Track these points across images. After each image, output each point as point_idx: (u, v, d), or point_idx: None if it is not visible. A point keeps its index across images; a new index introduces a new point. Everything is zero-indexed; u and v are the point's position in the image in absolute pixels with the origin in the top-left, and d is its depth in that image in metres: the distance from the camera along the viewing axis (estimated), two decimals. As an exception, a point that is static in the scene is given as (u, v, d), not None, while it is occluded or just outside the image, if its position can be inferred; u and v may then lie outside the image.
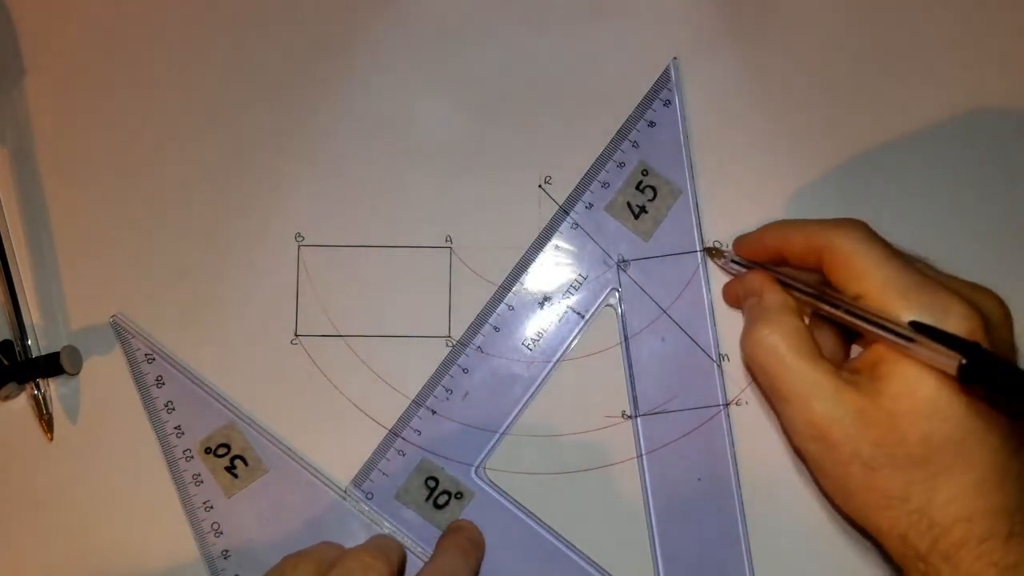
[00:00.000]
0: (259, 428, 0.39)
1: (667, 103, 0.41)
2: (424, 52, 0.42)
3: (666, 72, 0.41)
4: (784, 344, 0.32)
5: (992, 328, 0.30)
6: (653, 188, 0.40)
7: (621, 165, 0.41)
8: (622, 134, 0.41)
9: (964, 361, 0.28)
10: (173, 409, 0.39)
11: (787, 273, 0.35)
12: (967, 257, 0.40)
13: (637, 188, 0.40)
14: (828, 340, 0.35)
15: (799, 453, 0.35)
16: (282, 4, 0.43)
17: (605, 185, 0.40)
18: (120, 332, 0.40)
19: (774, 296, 0.34)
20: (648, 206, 0.40)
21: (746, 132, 0.41)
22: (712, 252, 0.39)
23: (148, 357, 0.39)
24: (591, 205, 0.40)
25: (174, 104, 0.42)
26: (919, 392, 0.30)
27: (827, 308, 0.33)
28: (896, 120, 0.41)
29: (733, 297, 0.39)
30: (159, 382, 0.39)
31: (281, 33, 0.42)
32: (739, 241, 0.38)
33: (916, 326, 0.29)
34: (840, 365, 0.33)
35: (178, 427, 0.39)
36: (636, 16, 0.42)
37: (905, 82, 0.41)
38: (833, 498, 0.34)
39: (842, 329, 0.35)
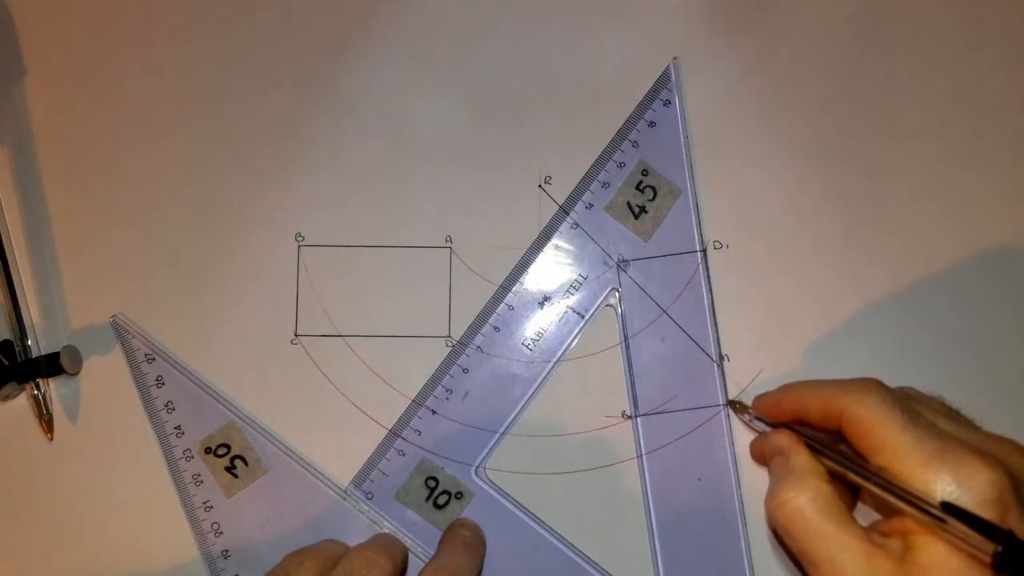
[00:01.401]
0: (259, 428, 0.39)
1: (667, 103, 0.41)
2: (424, 52, 0.42)
3: (666, 72, 0.41)
4: (812, 507, 0.31)
5: (1020, 485, 0.29)
6: (653, 188, 0.40)
7: (621, 165, 0.41)
8: (622, 134, 0.41)
9: (999, 549, 0.27)
10: (173, 409, 0.39)
11: (813, 436, 0.34)
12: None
13: (637, 188, 0.40)
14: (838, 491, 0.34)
15: None
16: (282, 4, 0.43)
17: (605, 185, 0.40)
18: (120, 332, 0.40)
19: (800, 458, 0.33)
20: (648, 206, 0.40)
21: (746, 132, 0.41)
22: (736, 407, 0.38)
23: (148, 357, 0.39)
24: (591, 205, 0.40)
25: (174, 104, 0.42)
26: (951, 564, 0.29)
27: (856, 478, 0.32)
28: (898, 117, 0.41)
29: (759, 455, 0.38)
30: (159, 382, 0.39)
31: (281, 33, 0.42)
32: (758, 402, 0.37)
33: (947, 507, 0.29)
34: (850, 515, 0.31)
35: (178, 427, 0.39)
36: (636, 16, 0.42)
37: (908, 75, 0.41)
38: None
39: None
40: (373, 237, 0.41)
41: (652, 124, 0.41)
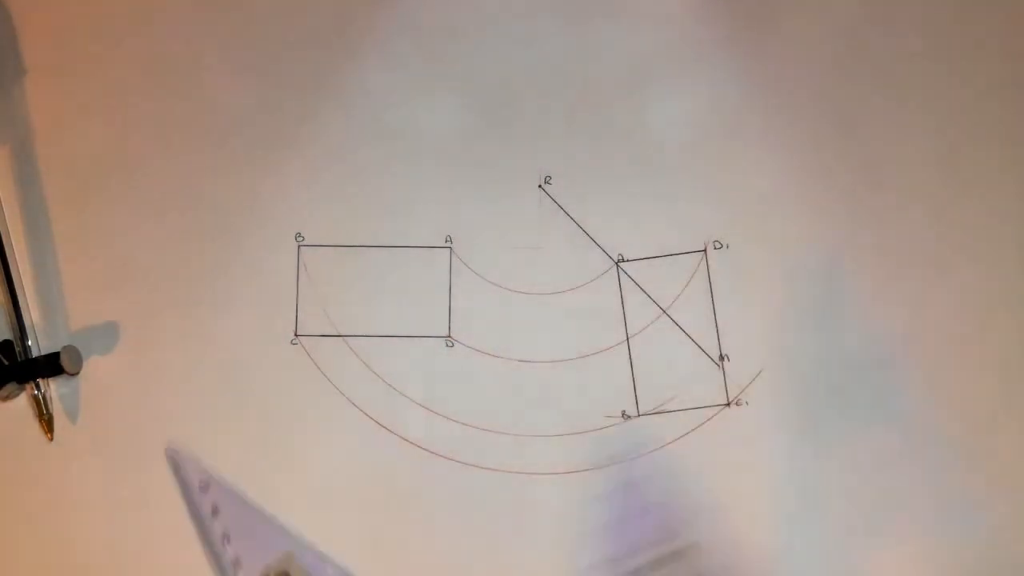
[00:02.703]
0: (318, 556, 0.37)
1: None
2: (425, 53, 0.42)
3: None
4: None
5: None
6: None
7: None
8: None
9: None
10: (229, 541, 0.38)
11: None
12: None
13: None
14: None
15: None
16: (282, 4, 0.43)
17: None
18: (175, 461, 0.39)
19: None
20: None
21: (746, 133, 0.41)
22: None
23: (203, 485, 0.38)
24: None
25: (174, 104, 0.42)
26: None
27: None
28: (897, 118, 0.41)
29: None
30: (215, 511, 0.38)
31: (282, 33, 0.42)
32: None
33: None
34: None
35: (236, 559, 0.37)
36: (636, 17, 0.42)
37: (907, 76, 0.41)
38: None
39: None
40: (373, 237, 0.41)
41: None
